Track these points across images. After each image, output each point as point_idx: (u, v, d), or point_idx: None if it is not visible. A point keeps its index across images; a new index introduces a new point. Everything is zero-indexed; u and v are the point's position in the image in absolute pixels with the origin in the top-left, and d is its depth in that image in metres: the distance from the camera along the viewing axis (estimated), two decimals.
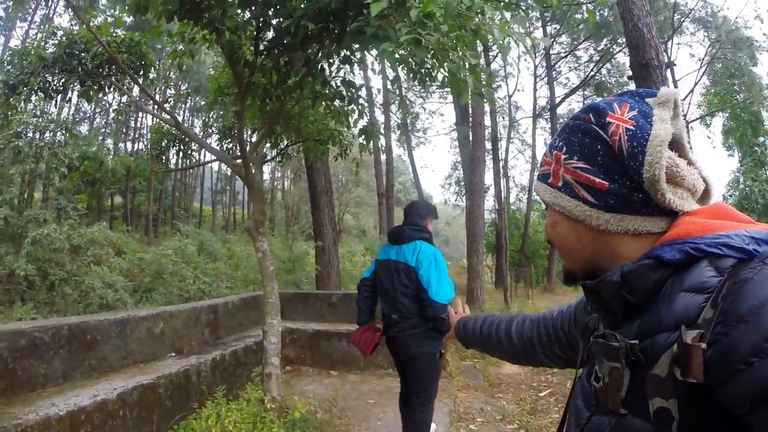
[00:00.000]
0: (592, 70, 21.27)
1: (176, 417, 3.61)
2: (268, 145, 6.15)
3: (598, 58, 20.92)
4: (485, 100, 3.74)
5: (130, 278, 12.28)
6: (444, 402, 4.71)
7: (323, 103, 3.80)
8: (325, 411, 4.31)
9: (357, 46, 2.93)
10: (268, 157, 6.78)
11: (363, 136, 4.06)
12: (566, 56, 22.13)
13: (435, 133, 69.18)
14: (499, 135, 18.96)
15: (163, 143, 8.04)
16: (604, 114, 0.75)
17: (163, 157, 8.53)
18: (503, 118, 23.07)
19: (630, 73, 6.99)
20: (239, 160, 4.67)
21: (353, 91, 3.75)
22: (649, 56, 6.45)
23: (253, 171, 4.37)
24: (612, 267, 0.74)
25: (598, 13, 17.03)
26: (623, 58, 21.10)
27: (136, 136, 30.85)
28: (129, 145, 30.70)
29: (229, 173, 36.82)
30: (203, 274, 12.95)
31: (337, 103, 3.74)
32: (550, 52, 20.47)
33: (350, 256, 15.57)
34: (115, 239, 14.20)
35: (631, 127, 0.72)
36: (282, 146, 6.22)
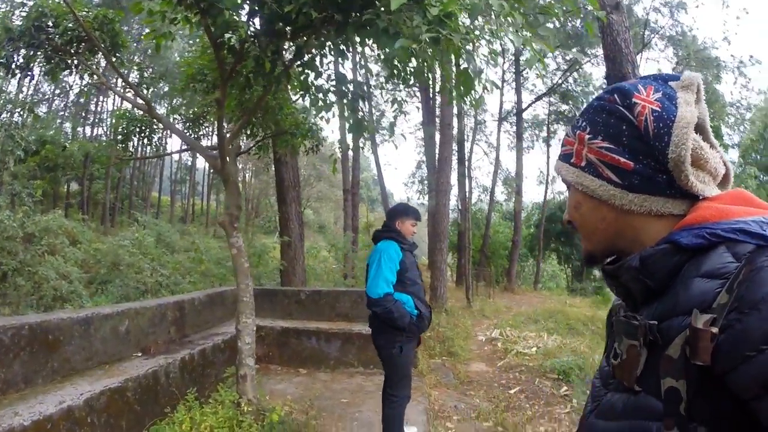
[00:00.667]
0: (559, 78, 21.71)
1: (147, 423, 3.39)
2: (243, 136, 5.93)
3: (566, 68, 21.35)
4: (470, 102, 3.70)
5: (85, 269, 11.71)
6: (418, 400, 4.69)
7: (312, 95, 3.65)
8: (300, 412, 4.18)
9: (358, 39, 2.81)
10: (243, 149, 6.55)
11: (348, 131, 3.92)
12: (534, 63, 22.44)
13: (399, 131, 68.95)
14: (466, 136, 19.06)
15: (126, 129, 7.62)
16: (629, 95, 0.76)
17: (127, 144, 8.07)
18: (469, 119, 23.24)
19: (605, 84, 7.18)
20: (215, 152, 4.47)
21: (345, 84, 3.61)
22: (626, 70, 6.65)
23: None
24: (633, 248, 0.76)
25: (569, 24, 17.37)
26: (590, 69, 21.68)
27: (96, 120, 29.55)
28: (88, 129, 29.40)
29: (189, 163, 35.90)
30: (161, 267, 12.47)
31: (331, 97, 3.59)
32: (520, 58, 20.74)
33: (315, 252, 15.33)
34: (70, 228, 13.45)
35: (657, 109, 0.73)
36: (259, 138, 6.02)
